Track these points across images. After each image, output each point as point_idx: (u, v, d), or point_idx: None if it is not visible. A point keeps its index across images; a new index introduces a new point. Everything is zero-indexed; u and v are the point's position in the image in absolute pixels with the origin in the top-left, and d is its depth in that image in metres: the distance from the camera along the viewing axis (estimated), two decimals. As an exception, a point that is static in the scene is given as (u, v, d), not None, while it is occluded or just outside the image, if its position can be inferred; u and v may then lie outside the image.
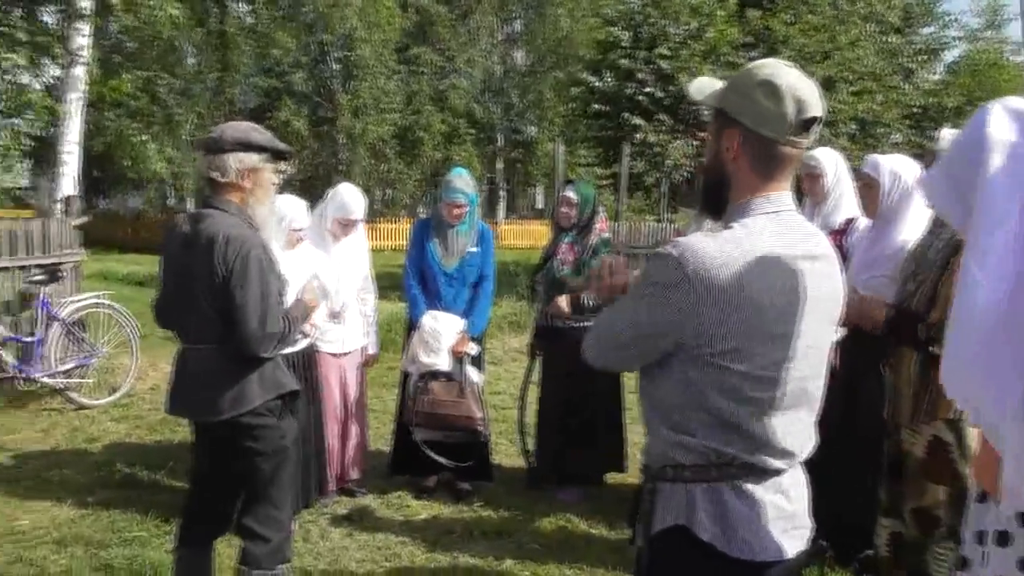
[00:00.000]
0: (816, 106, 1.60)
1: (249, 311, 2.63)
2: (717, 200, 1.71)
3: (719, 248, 1.55)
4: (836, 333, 1.76)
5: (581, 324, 4.36)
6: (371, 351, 4.66)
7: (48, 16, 8.48)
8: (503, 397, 6.61)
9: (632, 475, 4.64)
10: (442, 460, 4.35)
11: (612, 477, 4.70)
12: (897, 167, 3.36)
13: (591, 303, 4.33)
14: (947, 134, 2.84)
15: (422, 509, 4.39)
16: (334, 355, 4.36)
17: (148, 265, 16.61)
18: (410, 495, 4.53)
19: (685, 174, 17.10)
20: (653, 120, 16.43)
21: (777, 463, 1.61)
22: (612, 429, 4.57)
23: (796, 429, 1.64)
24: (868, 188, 3.42)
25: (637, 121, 16.31)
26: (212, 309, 2.68)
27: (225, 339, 2.69)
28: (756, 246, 1.56)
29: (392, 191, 25.61)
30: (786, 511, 1.63)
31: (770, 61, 1.66)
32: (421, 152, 24.92)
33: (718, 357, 1.56)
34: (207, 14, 11.05)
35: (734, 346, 1.55)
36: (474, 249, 4.48)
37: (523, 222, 28.79)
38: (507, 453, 5.26)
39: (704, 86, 1.75)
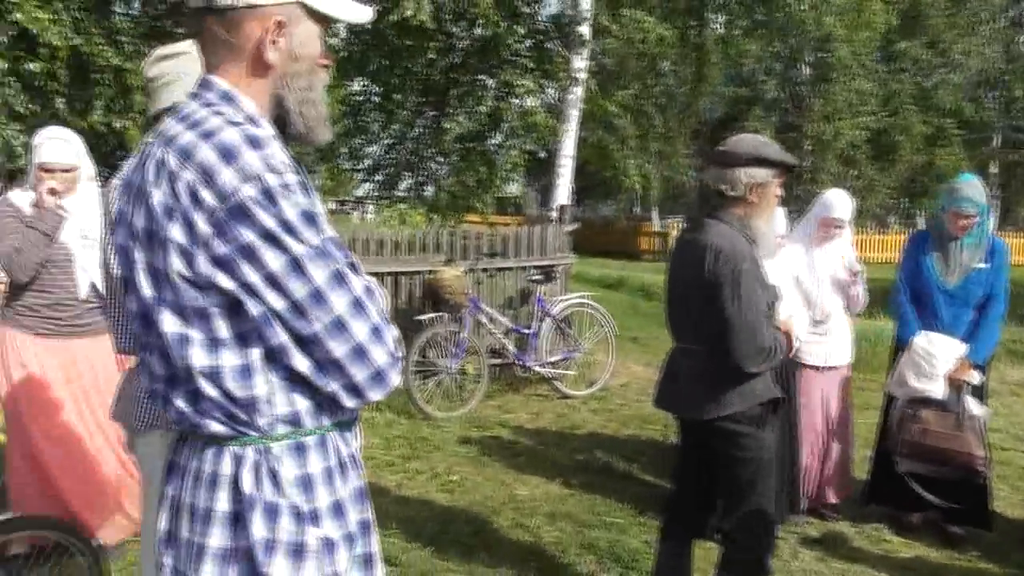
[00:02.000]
0: None
1: (738, 325, 2.64)
2: None
3: None
4: None
5: None
6: None
7: (551, 44, 9.60)
8: (1001, 436, 5.75)
9: None
10: (930, 497, 3.91)
11: None
12: None
13: None
14: None
15: (904, 547, 4.00)
16: (816, 368, 4.19)
17: (616, 269, 17.90)
18: (889, 529, 4.17)
19: None
20: None
21: None
22: None
23: None
24: None
25: None
26: (700, 314, 2.75)
27: (712, 344, 2.73)
28: None
29: (862, 200, 23.97)
30: None
31: None
32: (897, 157, 22.89)
33: None
34: (688, 29, 11.52)
35: None
36: (982, 265, 3.95)
37: (1021, 234, 24.86)
38: (1009, 501, 4.55)
39: None
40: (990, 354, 4.06)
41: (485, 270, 6.93)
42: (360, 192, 13.74)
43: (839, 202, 4.21)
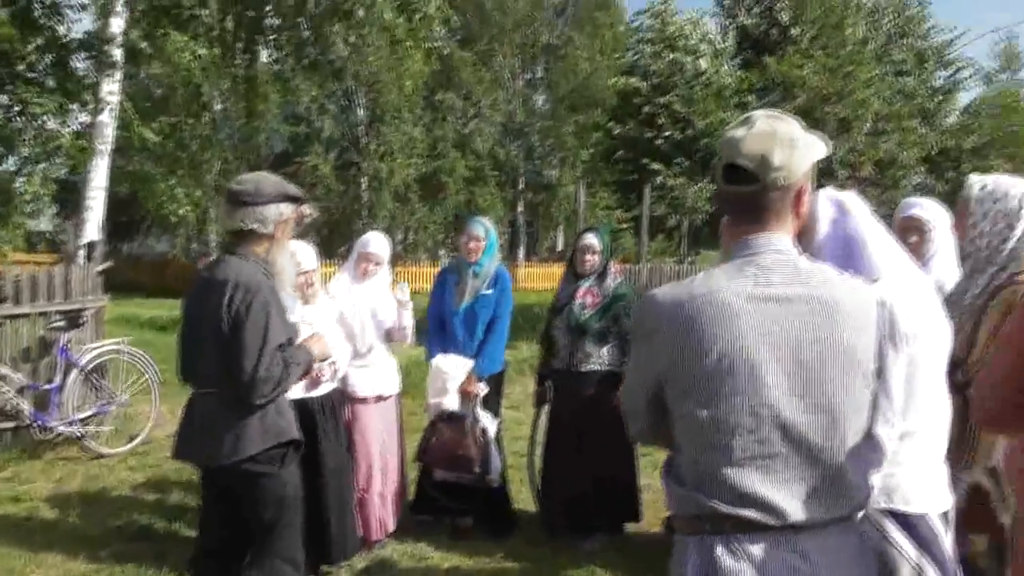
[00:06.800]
0: (732, 154, 1.59)
1: (244, 356, 2.60)
2: None
3: (672, 293, 1.58)
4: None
5: (590, 369, 4.32)
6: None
7: (78, 63, 8.64)
8: (522, 443, 6.44)
9: (653, 524, 4.54)
10: (456, 504, 4.35)
11: (633, 526, 4.57)
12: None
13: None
14: (975, 180, 2.73)
15: (443, 560, 4.27)
16: (366, 400, 4.29)
17: (171, 309, 16.68)
18: (429, 546, 4.40)
19: (704, 217, 17.19)
20: (672, 164, 16.67)
21: (770, 519, 1.50)
22: (625, 477, 4.45)
23: (784, 482, 1.51)
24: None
25: (656, 166, 16.53)
26: (216, 354, 2.65)
27: (226, 384, 2.64)
28: (708, 288, 1.55)
29: (415, 235, 25.73)
30: (803, 572, 1.50)
31: (753, 115, 1.66)
32: (445, 195, 25.06)
33: (680, 402, 1.56)
34: (234, 60, 11.18)
35: (687, 390, 1.54)
36: (488, 291, 4.47)
37: (543, 264, 28.76)
38: (527, 500, 5.12)
39: None
40: (497, 368, 4.54)
41: (-9, 318, 5.92)
42: None
43: (375, 240, 4.43)
